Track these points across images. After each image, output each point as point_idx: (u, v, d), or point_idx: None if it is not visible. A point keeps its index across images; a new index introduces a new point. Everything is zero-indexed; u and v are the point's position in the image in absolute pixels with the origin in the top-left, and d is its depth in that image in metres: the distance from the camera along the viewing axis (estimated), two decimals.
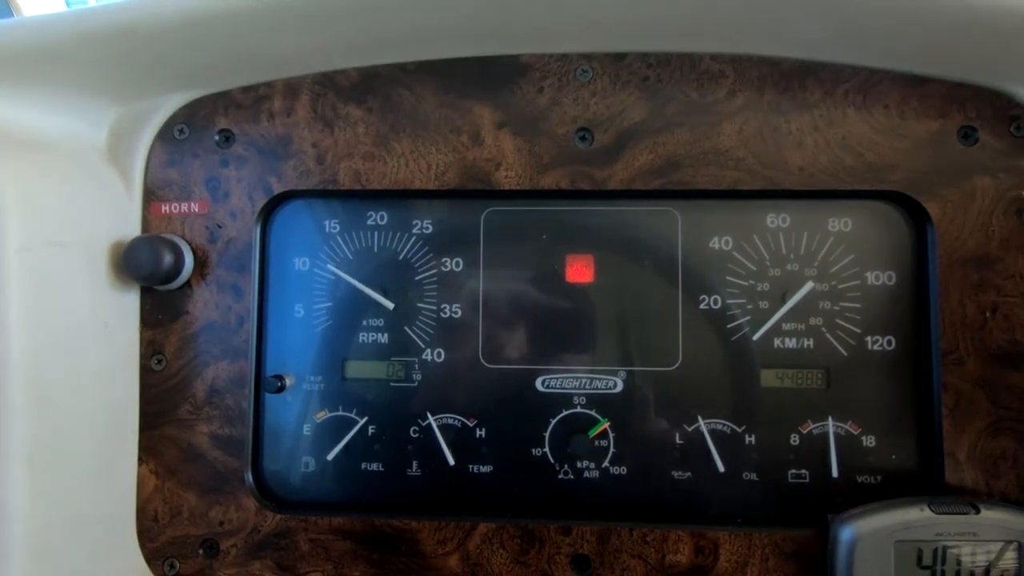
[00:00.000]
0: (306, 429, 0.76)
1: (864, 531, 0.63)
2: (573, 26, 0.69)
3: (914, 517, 0.63)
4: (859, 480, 0.71)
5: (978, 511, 0.62)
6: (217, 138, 0.75)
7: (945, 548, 0.62)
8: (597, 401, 0.74)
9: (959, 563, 0.62)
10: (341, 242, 0.77)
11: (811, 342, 0.73)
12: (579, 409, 0.74)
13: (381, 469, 0.75)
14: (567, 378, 0.74)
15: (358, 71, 0.74)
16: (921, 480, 0.70)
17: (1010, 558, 0.62)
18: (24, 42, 0.62)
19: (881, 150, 0.70)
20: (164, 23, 0.63)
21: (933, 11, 0.60)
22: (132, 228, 0.75)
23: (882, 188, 0.70)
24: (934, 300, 0.70)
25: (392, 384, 0.76)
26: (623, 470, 0.73)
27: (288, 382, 0.76)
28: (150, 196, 0.76)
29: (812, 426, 0.72)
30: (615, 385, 0.74)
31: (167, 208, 0.75)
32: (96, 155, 0.74)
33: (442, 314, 0.76)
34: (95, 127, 0.74)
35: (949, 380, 0.68)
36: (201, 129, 0.76)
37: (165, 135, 0.76)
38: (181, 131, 0.76)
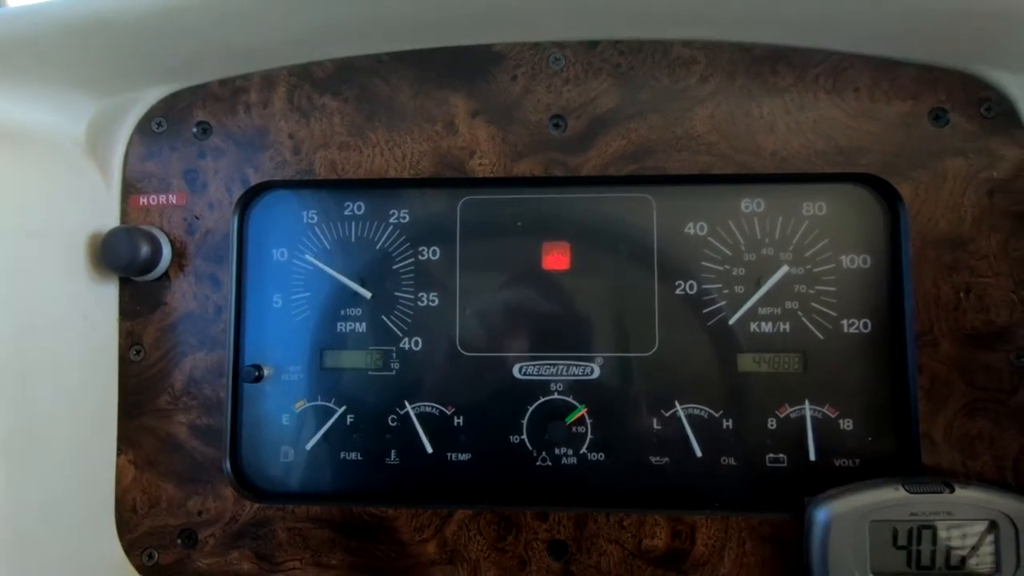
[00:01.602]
0: (285, 419, 0.76)
1: (839, 512, 0.63)
2: (545, 14, 0.70)
3: (888, 497, 0.63)
4: (837, 463, 0.71)
5: (952, 490, 0.62)
6: (195, 130, 0.76)
7: (920, 527, 0.62)
8: (574, 388, 0.74)
9: (934, 542, 0.62)
10: (319, 232, 0.78)
11: (787, 326, 0.73)
12: (556, 396, 0.74)
13: (359, 458, 0.75)
14: (544, 365, 0.75)
15: (333, 62, 0.75)
16: (898, 462, 0.70)
17: (987, 538, 0.62)
18: (2, 34, 0.63)
19: (853, 133, 0.70)
20: (140, 16, 0.63)
21: None
22: (111, 220, 0.76)
23: (854, 171, 0.70)
24: (908, 282, 0.70)
25: (370, 373, 0.76)
26: (601, 456, 0.73)
27: (266, 372, 0.76)
28: (129, 188, 0.77)
29: (789, 410, 0.72)
30: (592, 371, 0.74)
31: (145, 200, 0.76)
32: (75, 148, 0.75)
33: (419, 303, 0.76)
34: (74, 120, 0.75)
35: (924, 362, 0.68)
36: (179, 122, 0.76)
37: (143, 128, 0.77)
38: (159, 124, 0.76)
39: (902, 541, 0.62)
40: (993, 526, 0.62)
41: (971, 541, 0.62)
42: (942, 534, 0.62)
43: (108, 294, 0.75)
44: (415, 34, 0.73)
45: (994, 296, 0.68)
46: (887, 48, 0.70)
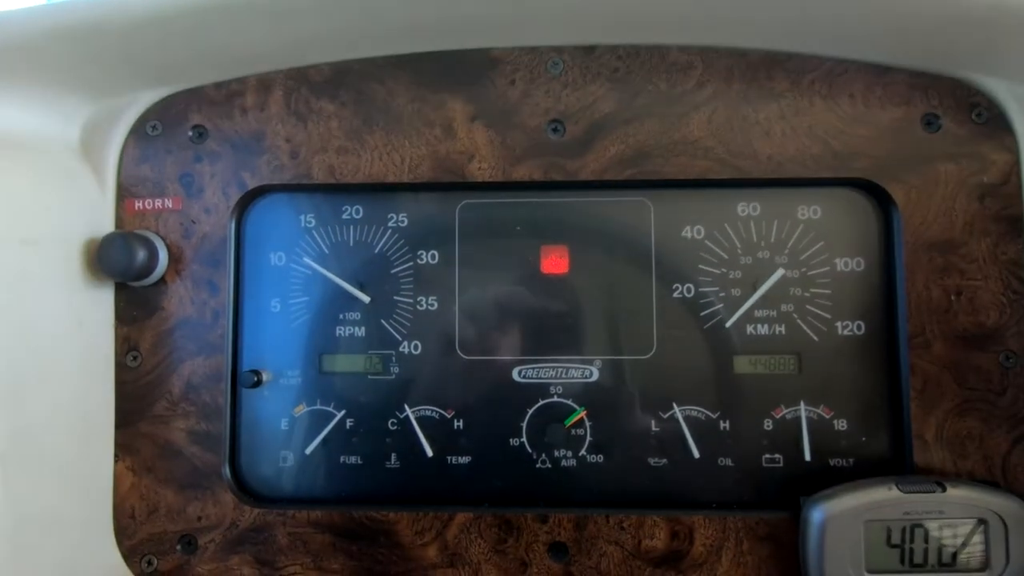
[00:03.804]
0: (284, 424, 0.76)
1: (834, 512, 0.64)
2: (543, 19, 0.70)
3: (882, 496, 0.64)
4: (831, 463, 0.72)
5: (944, 489, 0.64)
6: (190, 134, 0.76)
7: (913, 526, 0.64)
8: (573, 390, 0.75)
9: (927, 540, 0.63)
10: (317, 236, 0.77)
11: (783, 328, 0.74)
12: (555, 399, 0.75)
13: (359, 462, 0.76)
14: (543, 368, 0.75)
15: (330, 66, 0.75)
16: (891, 462, 0.72)
17: (977, 536, 0.64)
18: None
19: (847, 138, 0.71)
20: (134, 19, 0.63)
21: (897, 2, 0.61)
22: (106, 225, 0.75)
23: (848, 175, 0.71)
24: (901, 284, 0.71)
25: (370, 377, 0.76)
26: (600, 458, 0.74)
27: (265, 377, 0.76)
28: (124, 193, 0.76)
29: (785, 411, 0.73)
30: (591, 374, 0.75)
31: (141, 205, 0.75)
32: (69, 152, 0.74)
33: (419, 307, 0.76)
34: (68, 124, 0.74)
35: (916, 363, 0.70)
36: (174, 125, 0.76)
37: (138, 132, 0.76)
38: (154, 127, 0.76)
39: (896, 540, 0.64)
40: (983, 523, 0.63)
41: (962, 538, 0.63)
42: (934, 532, 0.64)
43: (104, 300, 0.75)
44: (413, 38, 0.73)
45: (984, 298, 0.70)
46: (880, 55, 0.71)
